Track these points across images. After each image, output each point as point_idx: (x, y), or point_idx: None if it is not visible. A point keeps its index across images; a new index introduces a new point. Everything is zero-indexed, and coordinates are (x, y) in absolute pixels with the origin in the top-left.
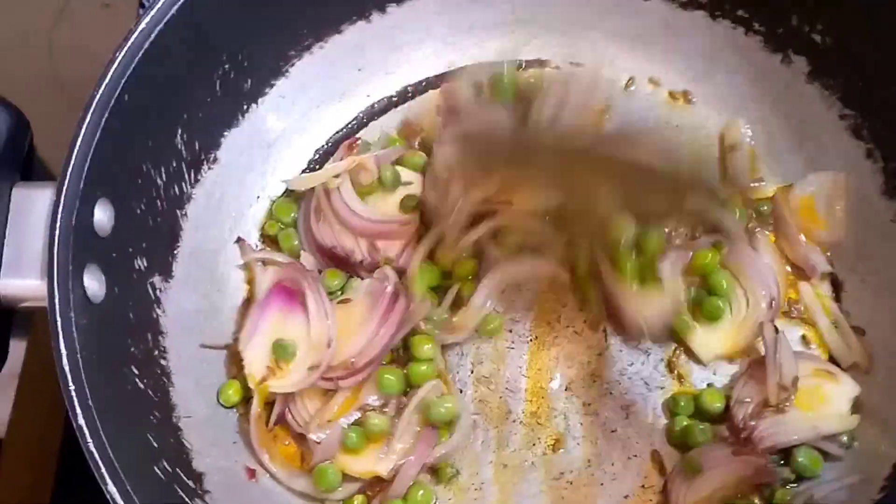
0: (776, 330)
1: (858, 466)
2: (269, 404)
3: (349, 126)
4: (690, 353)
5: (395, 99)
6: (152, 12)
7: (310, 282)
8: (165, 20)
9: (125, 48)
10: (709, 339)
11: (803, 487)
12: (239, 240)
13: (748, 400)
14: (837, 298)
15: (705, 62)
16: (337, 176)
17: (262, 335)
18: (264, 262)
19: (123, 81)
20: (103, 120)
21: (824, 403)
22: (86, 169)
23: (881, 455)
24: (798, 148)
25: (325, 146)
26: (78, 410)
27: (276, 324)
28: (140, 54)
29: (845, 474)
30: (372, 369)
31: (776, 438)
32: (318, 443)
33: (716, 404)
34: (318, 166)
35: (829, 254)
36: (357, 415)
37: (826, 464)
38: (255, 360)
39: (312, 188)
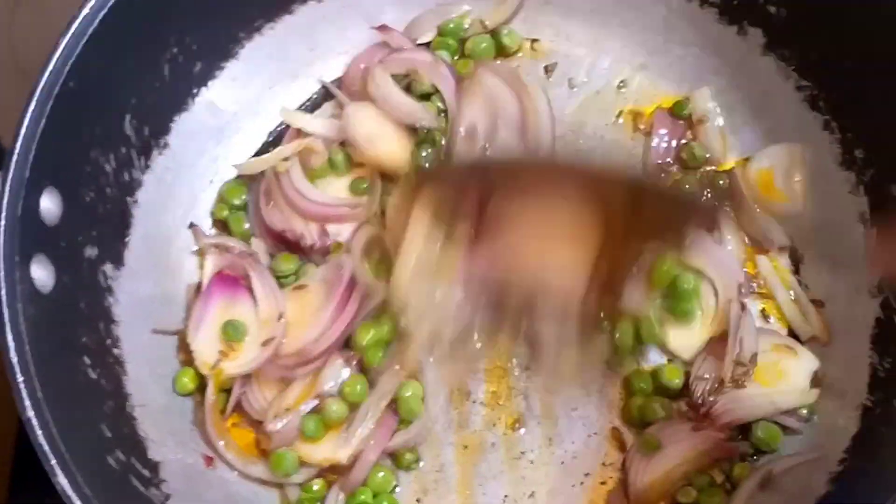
0: (742, 307)
1: (817, 440)
2: (226, 392)
3: (303, 107)
4: None
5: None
6: None
7: (251, 263)
8: (110, 5)
9: (68, 34)
10: (685, 339)
11: (762, 461)
12: (192, 225)
13: (707, 376)
14: (796, 271)
15: (662, 35)
16: (286, 159)
17: (208, 323)
18: (216, 248)
19: (68, 69)
20: (48, 108)
21: (783, 378)
22: (31, 157)
23: (839, 428)
24: (756, 120)
25: (279, 128)
26: (27, 403)
27: (222, 310)
28: (84, 40)
29: (804, 449)
30: (328, 357)
31: (735, 414)
32: (277, 431)
33: (674, 380)
34: (271, 149)
35: (787, 227)
36: (315, 402)
37: (785, 437)
38: (205, 347)
39: (263, 172)
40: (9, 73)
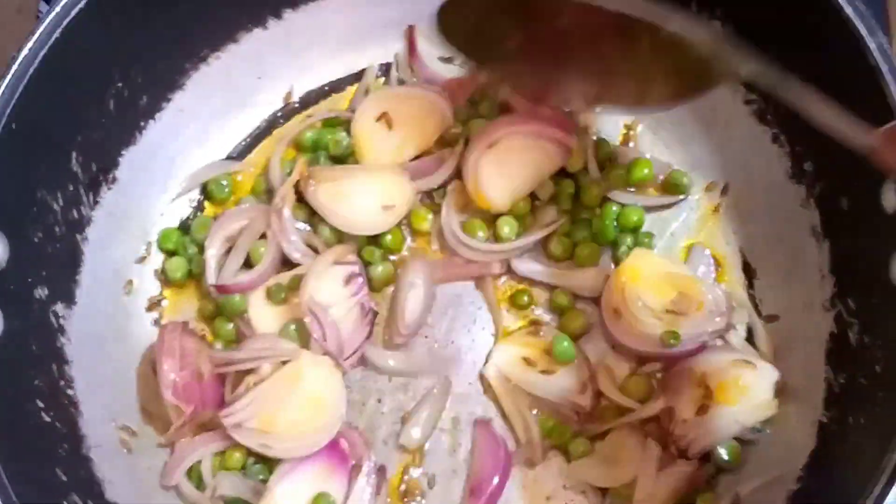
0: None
1: (776, 457)
2: None
3: (252, 135)
4: None
5: (297, 105)
6: (35, 36)
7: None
8: (50, 43)
9: (9, 75)
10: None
11: (722, 486)
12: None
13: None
14: (751, 286)
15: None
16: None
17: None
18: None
19: (9, 109)
20: None
21: (746, 394)
22: None
23: (798, 446)
24: (706, 134)
25: (231, 156)
26: None
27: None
28: (25, 81)
29: (764, 466)
30: None
31: (706, 441)
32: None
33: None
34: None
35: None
36: None
37: (750, 458)
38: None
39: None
40: None
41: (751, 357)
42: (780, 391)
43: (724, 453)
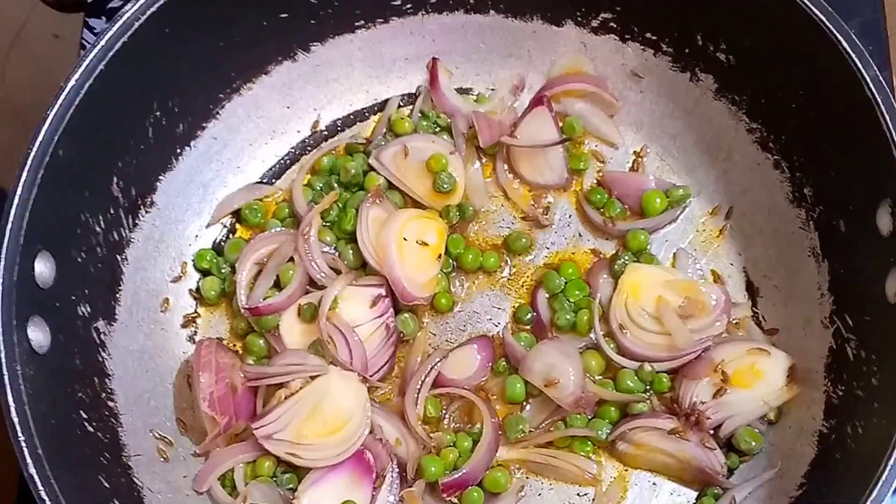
0: None
1: (774, 464)
2: None
3: (282, 161)
4: None
5: (325, 133)
6: (80, 69)
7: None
8: (95, 75)
9: (56, 105)
10: None
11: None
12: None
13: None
14: (754, 304)
15: (619, 83)
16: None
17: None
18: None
19: (56, 137)
20: (39, 176)
21: (762, 379)
22: (24, 224)
23: (798, 454)
24: (710, 161)
25: (260, 182)
26: (28, 460)
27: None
28: (71, 110)
29: (760, 472)
30: None
31: (722, 416)
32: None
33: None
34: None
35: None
36: None
37: (746, 465)
38: None
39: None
40: (4, 112)
41: (765, 345)
42: (792, 377)
43: (746, 437)
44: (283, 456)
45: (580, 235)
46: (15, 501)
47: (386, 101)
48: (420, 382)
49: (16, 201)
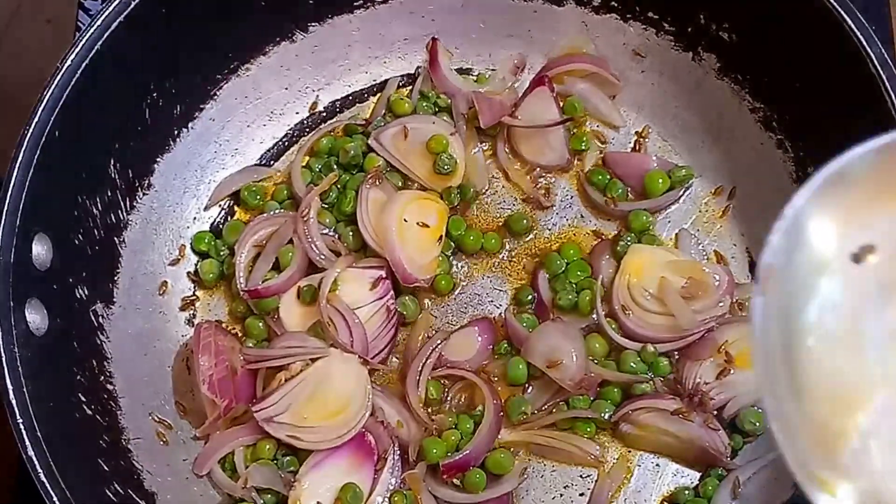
0: None
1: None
2: None
3: (280, 143)
4: None
5: (323, 114)
6: (77, 49)
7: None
8: (91, 56)
9: (52, 86)
10: None
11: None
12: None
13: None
14: None
15: (621, 63)
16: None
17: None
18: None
19: (53, 117)
20: (35, 157)
21: None
22: (21, 206)
23: None
24: (713, 141)
25: (259, 164)
26: (27, 442)
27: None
28: (67, 90)
29: (766, 452)
30: None
31: (727, 396)
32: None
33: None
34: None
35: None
36: None
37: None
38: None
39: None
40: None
41: None
42: None
43: (751, 418)
44: (284, 439)
45: (582, 216)
46: (14, 484)
47: (385, 81)
48: (421, 365)
49: (12, 183)
